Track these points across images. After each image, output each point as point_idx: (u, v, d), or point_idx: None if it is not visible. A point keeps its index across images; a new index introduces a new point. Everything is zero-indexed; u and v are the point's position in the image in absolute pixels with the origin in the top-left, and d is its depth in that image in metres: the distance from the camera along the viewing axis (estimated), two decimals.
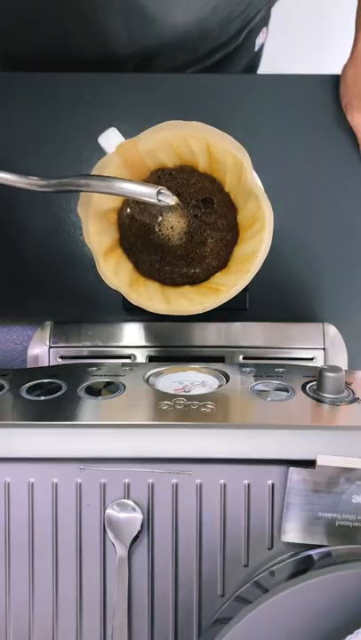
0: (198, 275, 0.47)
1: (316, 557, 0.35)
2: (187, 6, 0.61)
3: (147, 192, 0.41)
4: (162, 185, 0.45)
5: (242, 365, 0.46)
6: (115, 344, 0.55)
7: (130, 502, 0.37)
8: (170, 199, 0.43)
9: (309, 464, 0.36)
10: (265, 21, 0.79)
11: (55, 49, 0.66)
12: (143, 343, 0.54)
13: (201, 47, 0.70)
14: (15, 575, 0.38)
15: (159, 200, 0.42)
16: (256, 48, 0.80)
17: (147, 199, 0.42)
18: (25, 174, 0.42)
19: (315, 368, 0.44)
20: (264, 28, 0.80)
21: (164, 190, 0.42)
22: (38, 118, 0.61)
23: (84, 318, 0.59)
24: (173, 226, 0.47)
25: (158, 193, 0.42)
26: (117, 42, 0.64)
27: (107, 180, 0.41)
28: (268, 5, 0.75)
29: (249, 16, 0.72)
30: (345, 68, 0.59)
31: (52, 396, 0.40)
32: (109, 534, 0.37)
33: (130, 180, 0.42)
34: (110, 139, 0.47)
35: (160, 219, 0.47)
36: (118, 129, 0.48)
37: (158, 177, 0.47)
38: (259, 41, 0.80)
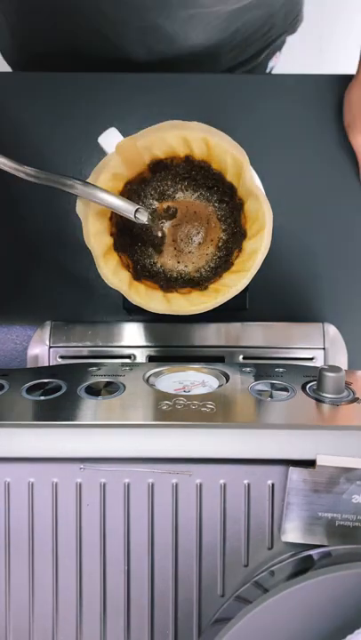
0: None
1: (316, 557, 0.35)
2: (205, 28, 0.61)
3: (125, 207, 0.42)
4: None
5: (242, 365, 0.46)
6: (115, 344, 0.54)
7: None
8: (145, 218, 0.43)
9: (309, 464, 0.36)
10: (280, 46, 0.79)
11: (71, 48, 0.66)
12: (143, 343, 0.54)
13: (219, 65, 0.70)
14: (15, 575, 0.38)
15: (136, 218, 0.43)
16: (267, 70, 0.81)
17: (124, 213, 0.42)
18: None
19: (315, 368, 0.44)
20: (278, 52, 0.80)
21: (142, 209, 0.43)
22: (38, 118, 0.61)
23: (84, 318, 0.59)
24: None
25: (136, 211, 0.42)
26: (135, 54, 0.64)
27: (90, 188, 0.42)
28: (290, 31, 0.76)
29: (270, 39, 0.72)
30: (350, 87, 0.58)
31: (52, 396, 0.40)
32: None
33: (112, 194, 0.42)
34: (110, 139, 0.47)
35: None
36: (118, 129, 0.48)
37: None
38: (271, 64, 0.80)
